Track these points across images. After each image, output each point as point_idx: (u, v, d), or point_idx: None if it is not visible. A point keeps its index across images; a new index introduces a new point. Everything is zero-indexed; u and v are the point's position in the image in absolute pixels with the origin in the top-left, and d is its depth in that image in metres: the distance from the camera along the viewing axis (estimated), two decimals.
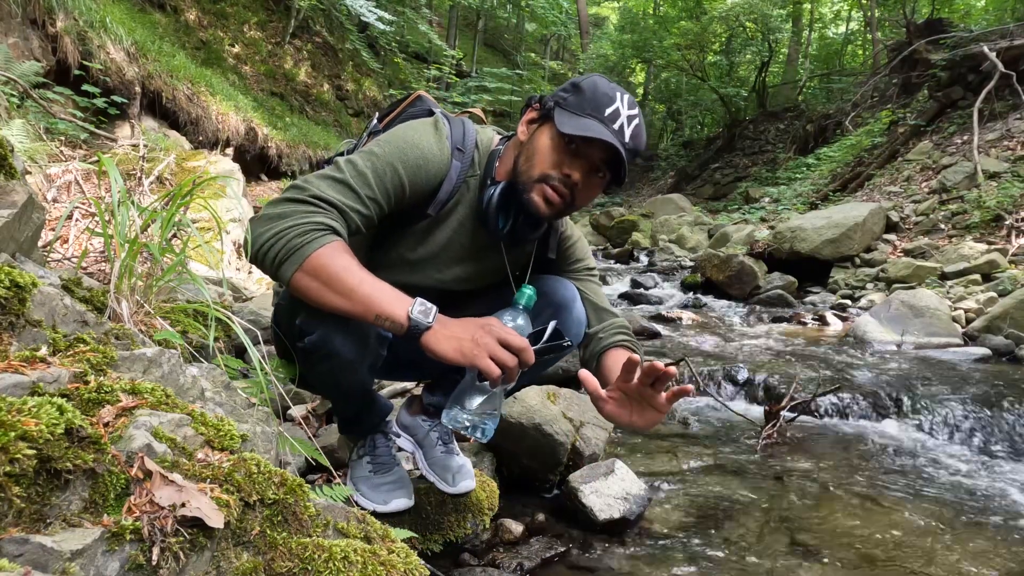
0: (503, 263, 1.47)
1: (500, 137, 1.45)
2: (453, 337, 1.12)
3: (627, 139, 1.26)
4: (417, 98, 1.55)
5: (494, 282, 1.51)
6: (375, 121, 1.55)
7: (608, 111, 1.25)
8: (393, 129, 1.36)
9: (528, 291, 1.24)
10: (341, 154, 1.46)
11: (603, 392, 1.20)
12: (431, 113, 1.46)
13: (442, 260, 1.43)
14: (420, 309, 1.13)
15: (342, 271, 1.13)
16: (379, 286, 1.14)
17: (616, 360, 1.38)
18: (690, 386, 1.11)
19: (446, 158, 1.34)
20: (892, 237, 6.88)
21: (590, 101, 1.26)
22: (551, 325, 1.21)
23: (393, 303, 1.13)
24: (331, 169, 1.26)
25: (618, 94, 1.27)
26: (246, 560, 0.78)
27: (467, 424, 1.19)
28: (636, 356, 1.14)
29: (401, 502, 1.54)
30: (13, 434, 0.66)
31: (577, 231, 1.59)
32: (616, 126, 1.25)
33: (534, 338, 1.18)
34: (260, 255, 1.16)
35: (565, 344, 1.22)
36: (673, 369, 1.10)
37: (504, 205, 1.33)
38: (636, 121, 1.28)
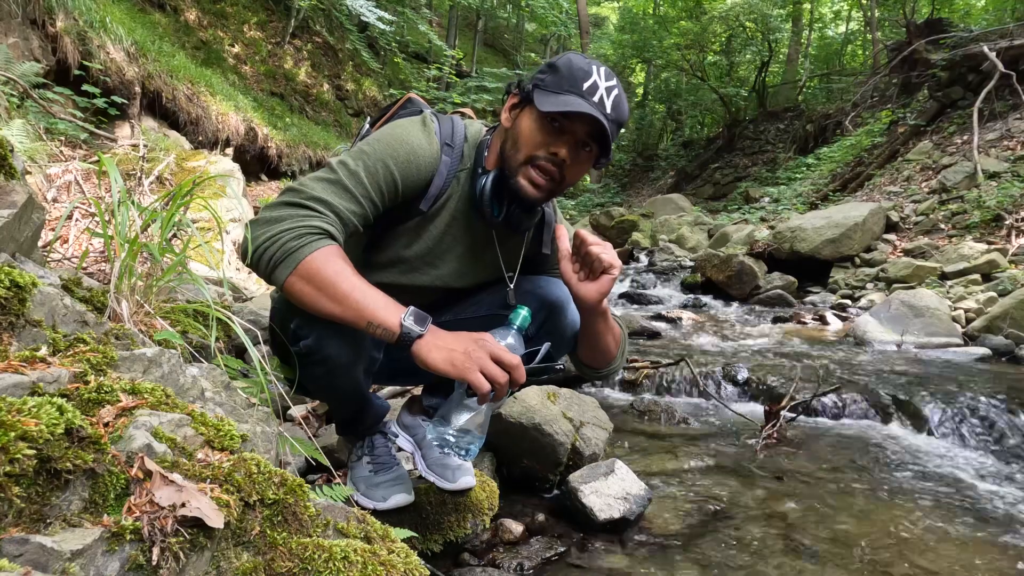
0: (497, 256, 1.47)
1: (487, 129, 1.46)
2: (445, 348, 1.10)
3: (608, 110, 1.26)
4: (407, 100, 1.56)
5: (490, 279, 1.51)
6: (367, 126, 1.56)
7: (586, 85, 1.25)
8: (382, 128, 1.37)
9: (523, 312, 1.22)
10: None
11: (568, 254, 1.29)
12: (421, 113, 1.46)
13: (437, 255, 1.43)
14: (413, 318, 1.11)
15: (335, 276, 1.12)
16: (372, 293, 1.13)
17: None
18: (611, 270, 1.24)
19: (435, 153, 1.35)
20: (892, 237, 6.88)
21: (567, 78, 1.26)
22: (544, 346, 1.20)
23: (385, 310, 1.11)
24: (324, 171, 1.26)
25: (594, 67, 1.27)
26: (246, 560, 0.78)
27: (452, 441, 1.17)
28: (582, 232, 1.25)
29: (400, 497, 1.54)
30: (13, 434, 0.66)
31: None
32: (596, 98, 1.25)
33: (527, 358, 1.17)
34: (255, 258, 1.16)
35: (557, 367, 1.21)
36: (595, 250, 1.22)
37: (497, 192, 1.34)
38: (615, 92, 1.28)
